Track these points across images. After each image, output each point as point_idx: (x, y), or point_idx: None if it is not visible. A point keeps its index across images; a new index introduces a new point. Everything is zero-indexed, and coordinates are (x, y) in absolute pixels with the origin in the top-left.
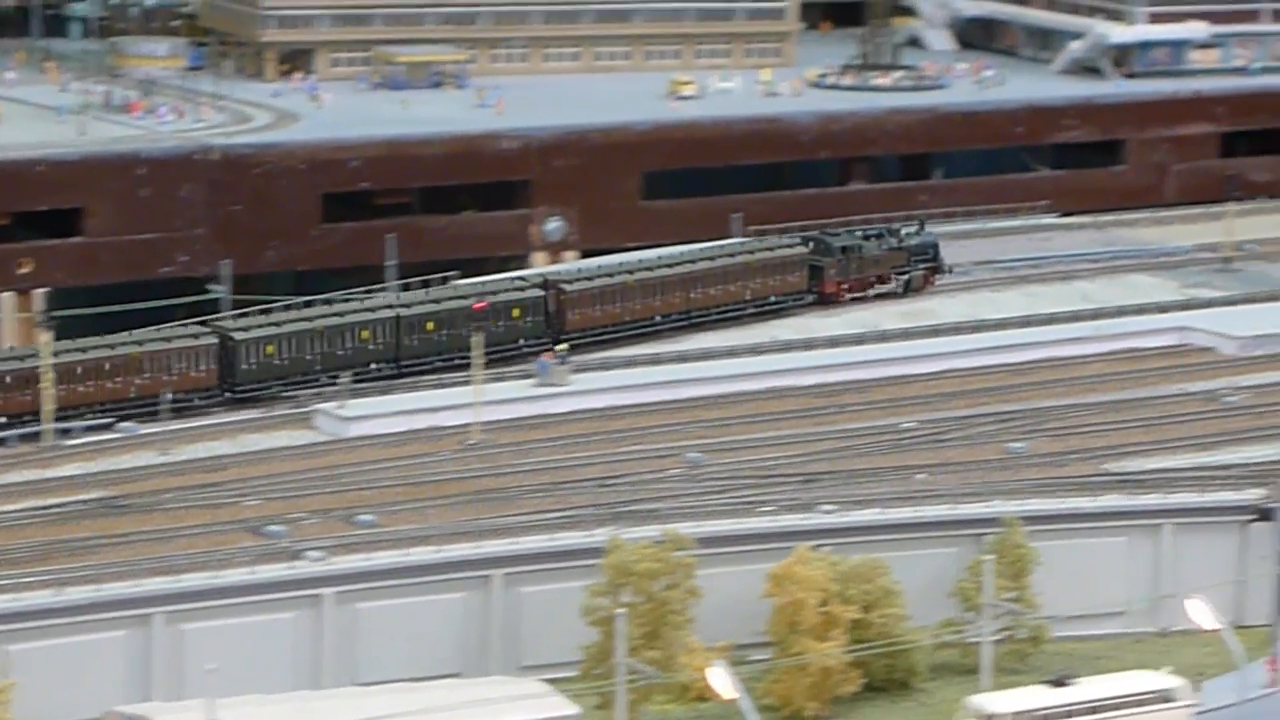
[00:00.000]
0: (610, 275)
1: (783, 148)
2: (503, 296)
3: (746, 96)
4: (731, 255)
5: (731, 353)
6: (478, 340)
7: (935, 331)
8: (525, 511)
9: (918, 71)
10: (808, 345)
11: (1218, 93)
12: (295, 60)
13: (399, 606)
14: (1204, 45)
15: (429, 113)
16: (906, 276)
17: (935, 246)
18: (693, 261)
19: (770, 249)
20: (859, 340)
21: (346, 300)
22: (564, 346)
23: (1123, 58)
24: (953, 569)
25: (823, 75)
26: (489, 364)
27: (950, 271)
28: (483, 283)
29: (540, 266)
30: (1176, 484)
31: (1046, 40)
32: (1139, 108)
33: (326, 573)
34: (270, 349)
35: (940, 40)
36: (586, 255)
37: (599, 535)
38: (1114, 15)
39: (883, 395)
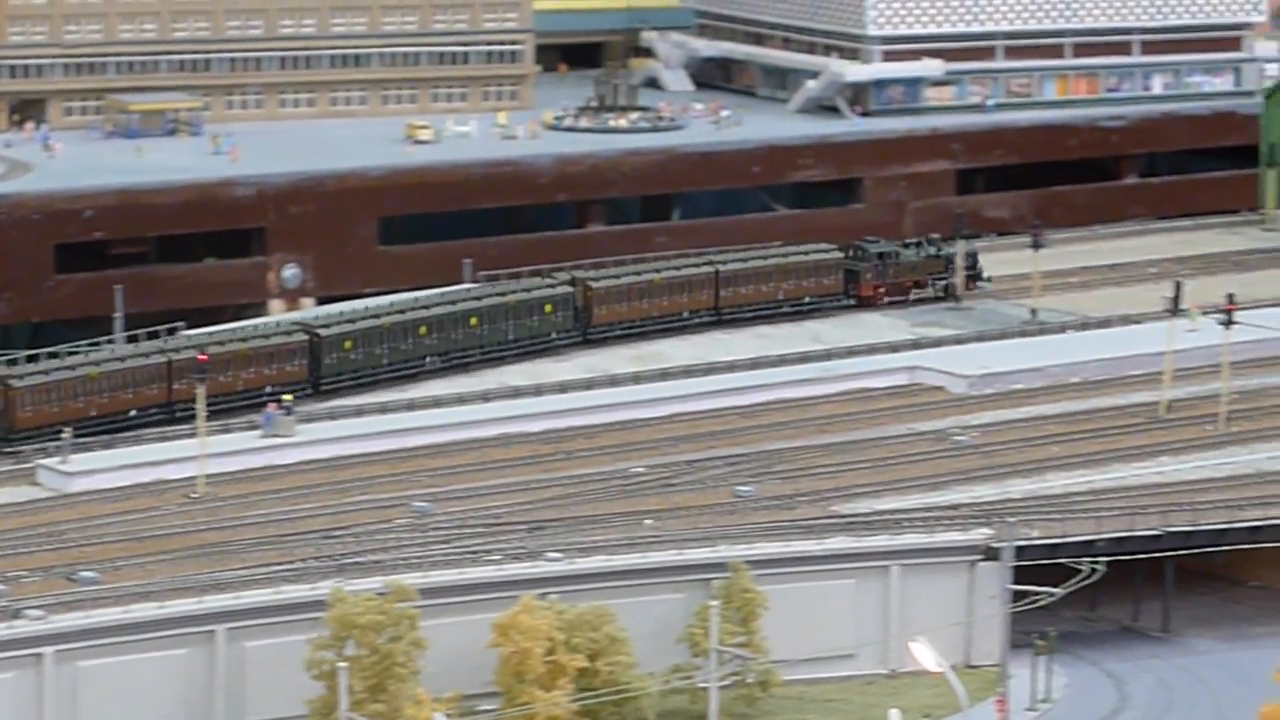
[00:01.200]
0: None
1: (520, 191)
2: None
3: (483, 140)
4: (765, 258)
5: (460, 400)
6: (200, 393)
7: (665, 375)
8: (249, 565)
9: (655, 112)
10: (537, 391)
11: (953, 130)
12: (27, 109)
13: (121, 664)
14: (939, 83)
15: (163, 161)
16: (945, 282)
17: (975, 255)
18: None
19: (806, 253)
20: (588, 385)
21: None
22: (289, 397)
23: (859, 96)
24: (681, 615)
25: (559, 117)
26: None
27: (990, 281)
28: (232, 329)
29: (283, 313)
30: (905, 525)
31: (783, 79)
32: (875, 146)
33: (46, 631)
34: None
35: (677, 81)
36: (323, 302)
37: (323, 588)
38: (850, 54)
39: (612, 440)
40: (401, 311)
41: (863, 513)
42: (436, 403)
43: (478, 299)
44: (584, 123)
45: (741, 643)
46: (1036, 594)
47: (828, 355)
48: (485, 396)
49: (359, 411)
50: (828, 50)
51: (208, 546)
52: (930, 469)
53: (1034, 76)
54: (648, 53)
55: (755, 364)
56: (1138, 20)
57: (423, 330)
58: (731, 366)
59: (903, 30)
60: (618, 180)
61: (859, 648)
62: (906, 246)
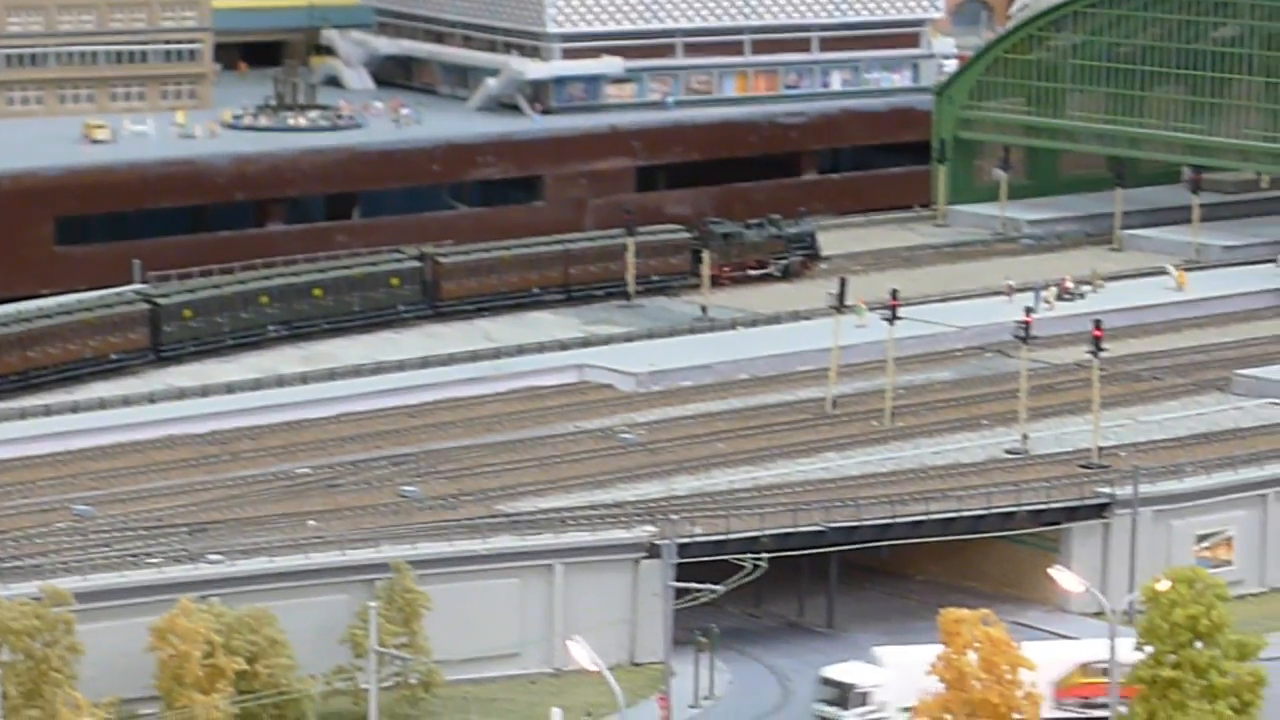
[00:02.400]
0: None
1: (198, 190)
2: None
3: (161, 139)
4: (613, 238)
5: (126, 401)
6: None
7: (333, 375)
8: None
9: (335, 111)
10: (202, 392)
11: (633, 127)
12: None
13: None
14: (619, 80)
15: None
16: (785, 262)
17: (813, 235)
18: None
19: (654, 234)
20: (256, 385)
21: None
22: None
23: (539, 93)
24: (344, 616)
25: (238, 116)
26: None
27: (826, 260)
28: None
29: None
30: (569, 523)
31: (464, 77)
32: (556, 143)
33: None
34: None
35: (358, 79)
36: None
37: None
38: (530, 51)
39: (277, 441)
40: (243, 282)
41: (527, 511)
42: (101, 404)
43: (322, 271)
44: (263, 121)
45: (404, 643)
46: (699, 591)
47: (497, 354)
48: (150, 398)
49: (22, 414)
50: (508, 48)
51: None
52: (596, 467)
53: (714, 74)
54: (328, 51)
55: (424, 362)
56: (816, 17)
57: (264, 300)
58: (400, 365)
59: (582, 28)
60: (297, 179)
61: (523, 647)
62: (749, 227)
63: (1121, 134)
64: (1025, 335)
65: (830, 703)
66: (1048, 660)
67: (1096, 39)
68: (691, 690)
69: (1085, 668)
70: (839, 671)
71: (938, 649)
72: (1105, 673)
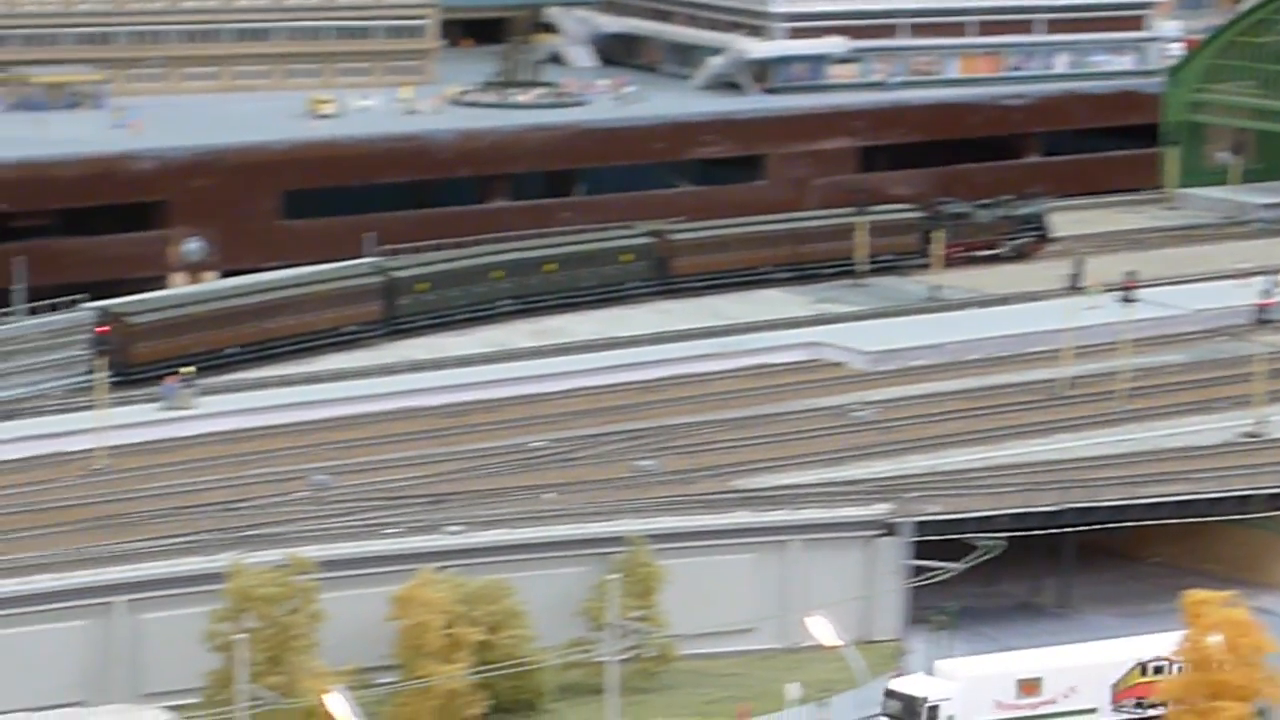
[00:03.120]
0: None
1: (423, 166)
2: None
3: (386, 114)
4: (843, 216)
5: (363, 373)
6: (100, 365)
7: (565, 350)
8: (149, 537)
9: (558, 88)
10: (437, 365)
11: (856, 107)
12: None
13: (19, 635)
14: (843, 60)
15: (65, 133)
16: (1016, 243)
17: (1043, 216)
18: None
19: (885, 213)
20: (488, 360)
21: None
22: (190, 369)
23: (763, 73)
24: (580, 588)
25: (463, 92)
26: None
27: (1057, 242)
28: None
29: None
30: (804, 500)
31: (687, 56)
32: (778, 123)
33: None
34: None
35: (581, 56)
36: (227, 275)
37: (222, 560)
38: (754, 31)
39: (512, 414)
40: (475, 256)
41: (762, 488)
42: (338, 376)
43: (554, 246)
44: (487, 98)
45: (640, 617)
46: (936, 569)
47: (728, 331)
48: (387, 370)
49: (260, 384)
50: (732, 27)
51: (107, 519)
52: (830, 445)
53: (937, 54)
54: (552, 28)
55: (657, 339)
56: None
57: (497, 274)
58: (632, 341)
59: (807, 7)
60: (521, 156)
61: (757, 622)
62: (980, 207)
63: None
64: (1262, 318)
65: (896, 716)
66: (1103, 660)
67: None
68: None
69: (1143, 668)
70: (906, 684)
71: (1007, 659)
72: (1161, 671)
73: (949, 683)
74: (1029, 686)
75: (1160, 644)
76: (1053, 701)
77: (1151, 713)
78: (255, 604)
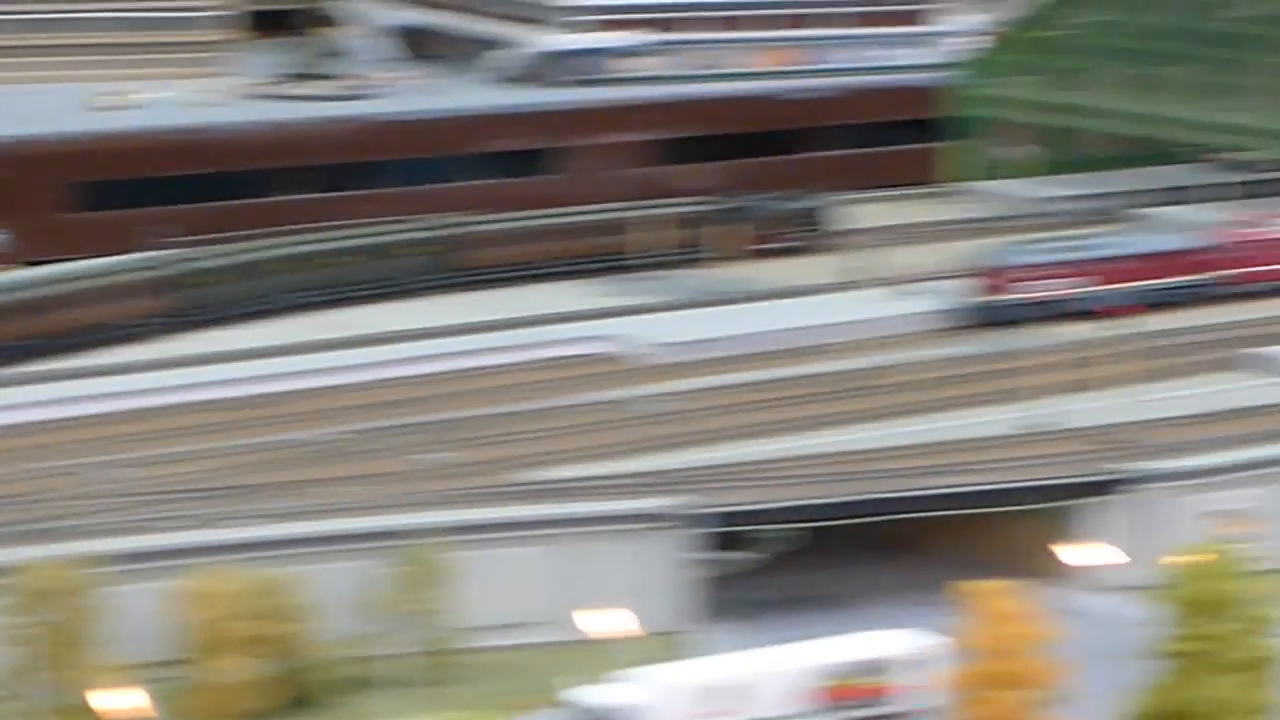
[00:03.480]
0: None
1: (212, 158)
2: None
3: (177, 106)
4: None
5: (147, 366)
6: None
7: (353, 343)
8: None
9: (350, 80)
10: (224, 358)
11: (650, 100)
12: None
13: None
14: (636, 53)
15: None
16: (805, 236)
17: (831, 210)
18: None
19: (676, 206)
20: (276, 352)
21: None
22: None
23: (556, 66)
24: (369, 581)
25: (254, 85)
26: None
27: (844, 235)
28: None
29: None
30: (595, 492)
31: (481, 49)
32: (571, 116)
33: None
34: None
35: (374, 49)
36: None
37: (5, 555)
38: (547, 24)
39: (300, 408)
40: (264, 249)
41: (552, 479)
42: (126, 369)
43: (345, 239)
44: (278, 90)
45: (426, 610)
46: (729, 561)
47: (516, 324)
48: (171, 363)
49: (43, 378)
50: (524, 20)
51: None
52: (621, 436)
53: (732, 48)
54: (344, 21)
55: (445, 331)
56: None
57: (285, 268)
58: (423, 334)
59: (599, 1)
60: (310, 148)
61: (545, 615)
62: (768, 200)
63: (1140, 113)
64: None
65: None
66: (806, 664)
67: (1118, 17)
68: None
69: (855, 666)
70: (593, 694)
71: (705, 665)
72: (876, 672)
73: (641, 691)
74: (723, 695)
75: (872, 644)
76: (749, 709)
77: (866, 712)
78: (39, 599)
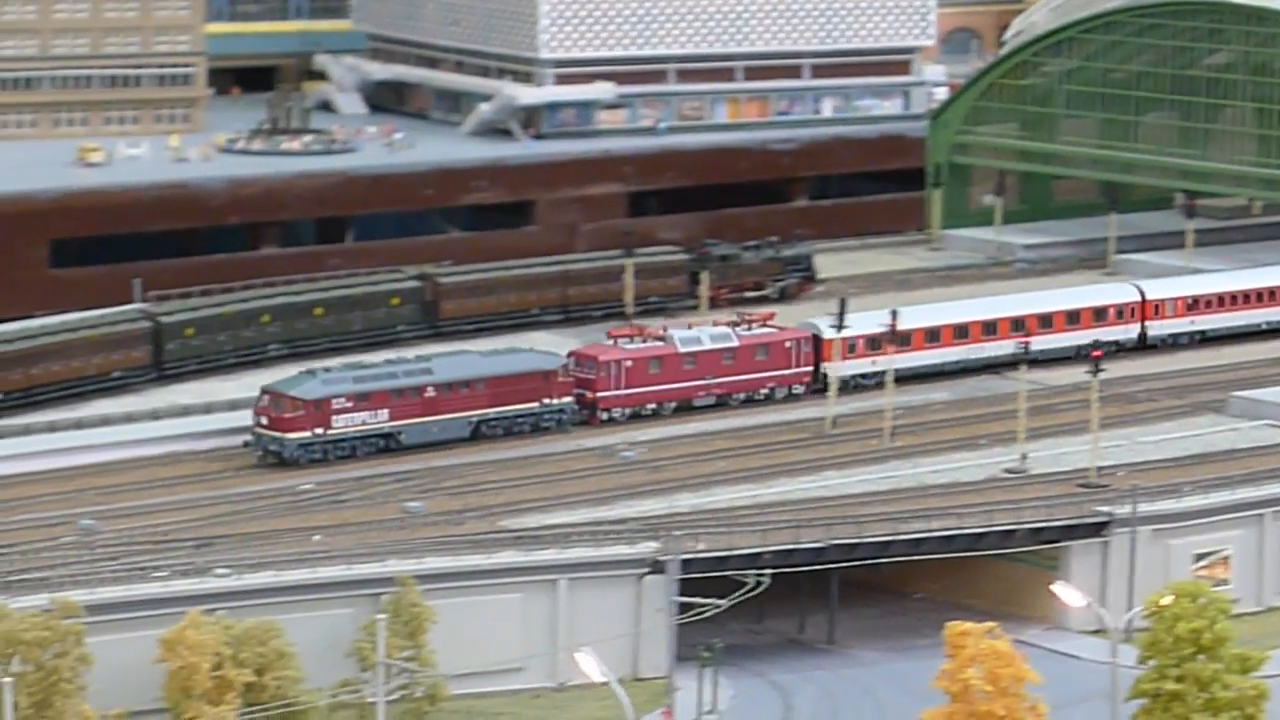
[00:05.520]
0: None
1: (192, 213)
2: None
3: (155, 163)
4: (611, 259)
5: (129, 418)
6: None
7: None
8: None
9: (328, 135)
10: (205, 409)
11: (625, 152)
12: None
13: None
14: (611, 105)
15: None
16: (782, 284)
17: (809, 258)
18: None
19: (652, 255)
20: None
21: None
22: None
23: (531, 119)
24: (349, 629)
25: (232, 140)
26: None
27: (823, 283)
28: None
29: None
30: (572, 539)
31: (456, 102)
32: (548, 169)
33: None
34: None
35: (351, 104)
36: None
37: None
38: (522, 77)
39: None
40: (244, 300)
41: (531, 527)
42: (105, 421)
43: (323, 290)
44: (257, 145)
45: (410, 656)
46: (702, 606)
47: None
48: (154, 415)
49: (27, 430)
50: (500, 73)
51: None
52: (598, 484)
53: (705, 100)
54: (321, 76)
55: None
56: (808, 44)
57: (265, 319)
58: None
59: (575, 53)
60: (291, 203)
61: (527, 661)
62: (746, 249)
63: (1115, 159)
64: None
65: None
66: None
67: (1090, 65)
68: (695, 704)
69: None
70: None
71: None
72: None
73: None
74: None
75: None
76: None
77: None
78: (22, 648)
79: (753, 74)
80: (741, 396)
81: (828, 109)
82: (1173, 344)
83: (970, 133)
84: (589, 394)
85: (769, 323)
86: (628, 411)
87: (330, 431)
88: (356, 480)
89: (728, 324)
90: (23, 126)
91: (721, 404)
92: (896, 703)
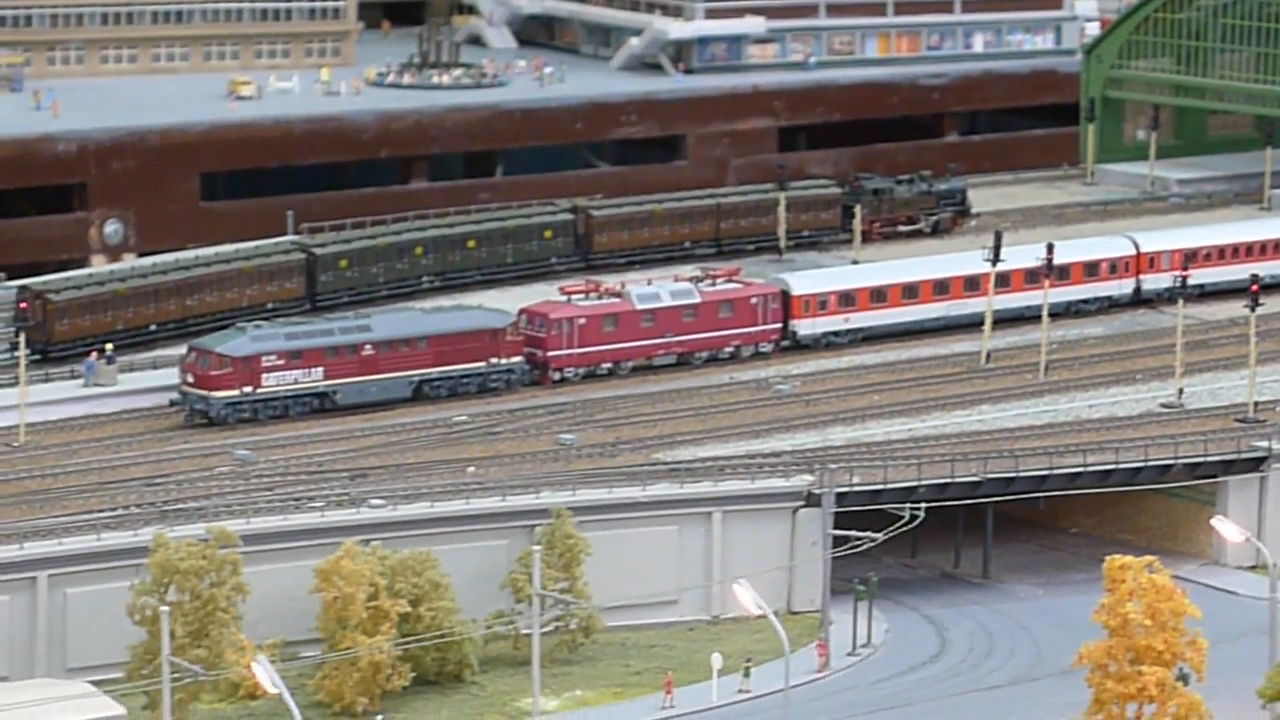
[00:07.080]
0: None
1: (342, 147)
2: None
3: (306, 96)
4: (765, 192)
5: None
6: (21, 341)
7: None
8: (72, 512)
9: (478, 69)
10: None
11: (775, 87)
12: None
13: None
14: (761, 40)
15: None
16: (935, 218)
17: (963, 192)
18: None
19: (805, 189)
20: None
21: None
22: (110, 347)
23: (681, 53)
24: (504, 561)
25: (382, 74)
26: None
27: (976, 217)
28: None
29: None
30: (727, 471)
31: (606, 36)
32: (698, 103)
33: None
34: None
35: (500, 38)
36: (145, 256)
37: (145, 534)
38: (673, 11)
39: None
40: (397, 233)
41: (685, 459)
42: None
43: (476, 223)
44: (407, 79)
45: (564, 589)
46: (858, 539)
47: None
48: None
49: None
50: (650, 8)
51: (29, 494)
52: (751, 417)
53: (855, 34)
54: (471, 9)
55: None
56: None
57: (419, 251)
58: None
59: None
60: (440, 136)
61: (681, 593)
62: (900, 183)
63: (1271, 93)
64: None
65: None
66: None
67: None
68: (849, 638)
69: None
70: None
71: None
72: None
73: None
74: None
75: None
76: None
77: None
78: (179, 577)
79: (903, 9)
80: (704, 355)
81: (979, 44)
82: None
83: (1124, 67)
84: (540, 353)
85: (734, 278)
86: (580, 371)
87: (260, 390)
88: (510, 413)
89: (689, 279)
90: (174, 60)
91: (683, 363)
92: (1052, 637)
